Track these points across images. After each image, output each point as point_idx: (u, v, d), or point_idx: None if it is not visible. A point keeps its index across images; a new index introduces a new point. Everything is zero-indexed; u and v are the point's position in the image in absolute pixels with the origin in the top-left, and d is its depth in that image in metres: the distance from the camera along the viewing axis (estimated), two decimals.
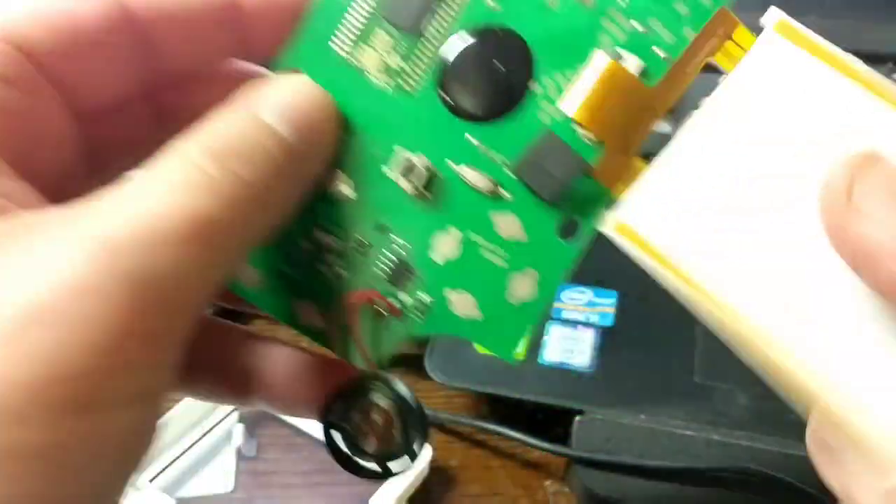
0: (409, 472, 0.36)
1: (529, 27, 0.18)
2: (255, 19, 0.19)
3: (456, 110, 0.19)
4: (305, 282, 0.20)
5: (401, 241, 0.20)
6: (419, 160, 0.19)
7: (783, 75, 0.18)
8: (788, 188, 0.17)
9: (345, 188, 0.19)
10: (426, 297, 0.20)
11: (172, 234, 0.14)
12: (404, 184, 0.19)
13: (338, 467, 0.19)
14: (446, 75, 0.19)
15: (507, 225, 0.19)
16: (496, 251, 0.19)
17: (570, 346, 0.41)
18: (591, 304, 0.44)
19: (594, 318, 0.43)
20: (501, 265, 0.19)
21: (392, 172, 0.19)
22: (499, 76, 0.19)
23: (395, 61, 0.19)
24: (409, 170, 0.19)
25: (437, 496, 0.39)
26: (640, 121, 0.20)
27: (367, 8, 0.19)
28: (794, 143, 0.18)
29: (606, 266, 0.47)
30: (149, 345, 0.13)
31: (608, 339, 0.41)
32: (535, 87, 0.19)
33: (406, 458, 0.19)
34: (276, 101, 0.17)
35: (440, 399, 0.42)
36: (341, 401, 0.20)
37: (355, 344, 0.20)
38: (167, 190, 0.14)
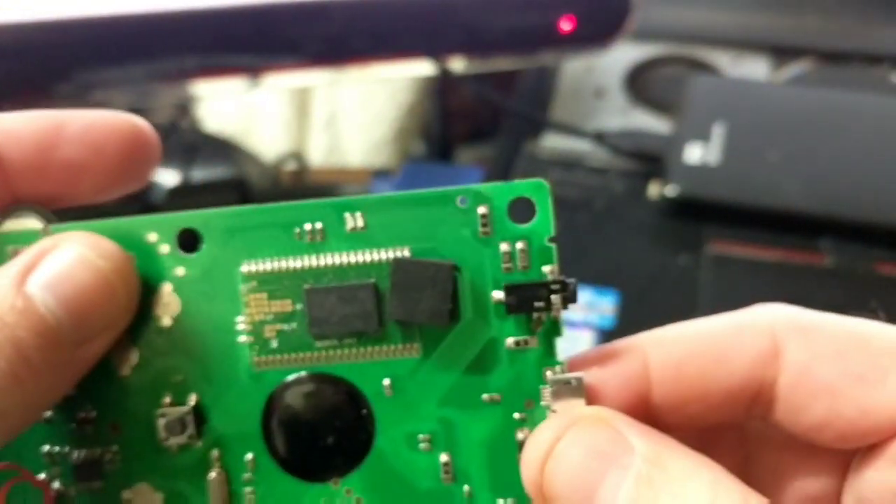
0: None
1: None
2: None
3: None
4: None
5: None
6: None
7: None
8: None
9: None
10: None
11: None
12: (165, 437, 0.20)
13: None
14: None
15: None
16: None
17: (567, 347, 0.41)
18: (590, 304, 0.44)
19: (594, 319, 0.43)
20: None
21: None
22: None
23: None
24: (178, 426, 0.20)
25: None
26: None
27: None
28: None
29: (606, 266, 0.47)
30: None
31: (608, 341, 0.41)
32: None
33: None
34: (45, 271, 0.17)
35: None
36: None
37: None
38: None
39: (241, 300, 0.20)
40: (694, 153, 0.47)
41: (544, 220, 0.19)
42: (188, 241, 0.20)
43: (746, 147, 0.47)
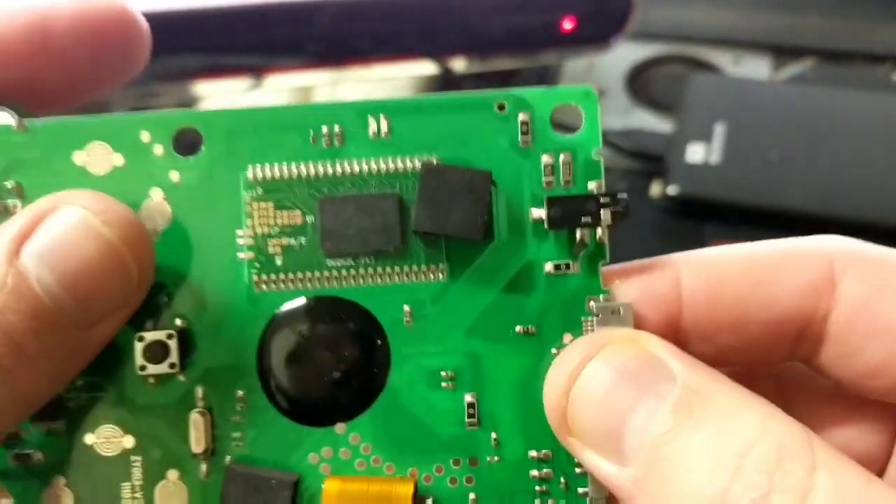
0: None
1: None
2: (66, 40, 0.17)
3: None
4: None
5: None
6: None
7: None
8: None
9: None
10: None
11: None
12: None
13: None
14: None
15: None
16: None
17: None
18: None
19: None
20: None
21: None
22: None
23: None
24: None
25: None
26: None
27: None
28: None
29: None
30: None
31: None
32: None
33: None
34: (41, 240, 0.14)
35: None
36: None
37: None
38: None
39: (244, 210, 0.17)
40: (695, 153, 0.47)
41: (592, 131, 0.17)
42: (186, 142, 0.17)
43: (747, 147, 0.47)
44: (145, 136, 0.17)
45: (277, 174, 0.17)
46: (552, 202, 0.17)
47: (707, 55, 0.56)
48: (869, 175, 0.46)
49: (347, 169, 0.17)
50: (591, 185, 0.17)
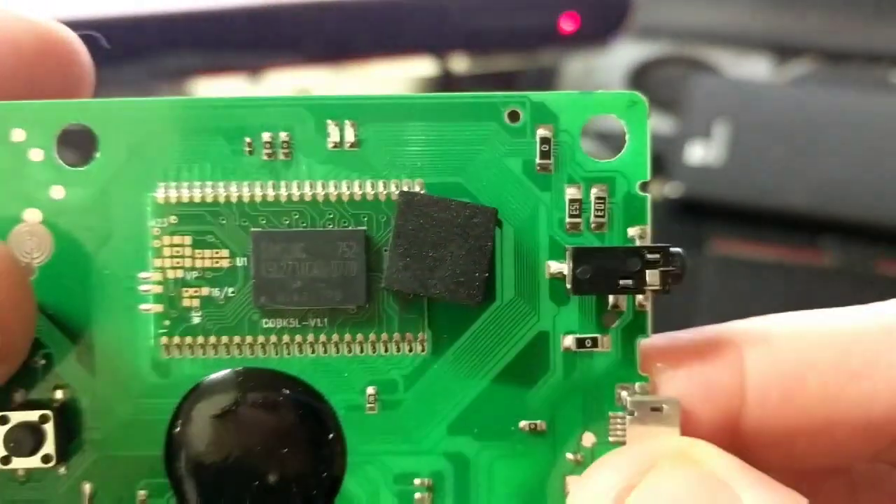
0: None
1: None
2: None
3: None
4: None
5: None
6: None
7: None
8: None
9: None
10: None
11: None
12: None
13: None
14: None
15: None
16: None
17: None
18: None
19: None
20: None
21: None
22: None
23: None
24: None
25: None
26: None
27: None
28: None
29: None
30: None
31: None
32: None
33: None
34: None
35: None
36: None
37: None
38: None
39: (150, 244, 0.12)
40: (696, 153, 0.47)
41: (638, 155, 0.13)
42: (75, 144, 0.13)
43: (748, 147, 0.47)
44: (18, 135, 0.12)
45: (198, 196, 0.12)
46: (579, 256, 0.12)
47: (707, 55, 0.56)
48: (869, 175, 0.46)
49: (295, 192, 0.12)
50: (632, 232, 0.12)
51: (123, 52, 0.44)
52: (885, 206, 0.45)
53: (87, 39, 0.14)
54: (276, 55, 0.46)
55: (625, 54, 0.55)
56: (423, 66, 0.50)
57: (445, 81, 0.55)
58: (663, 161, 0.47)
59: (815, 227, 0.45)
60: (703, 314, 0.42)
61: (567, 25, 0.47)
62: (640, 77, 0.56)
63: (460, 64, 0.51)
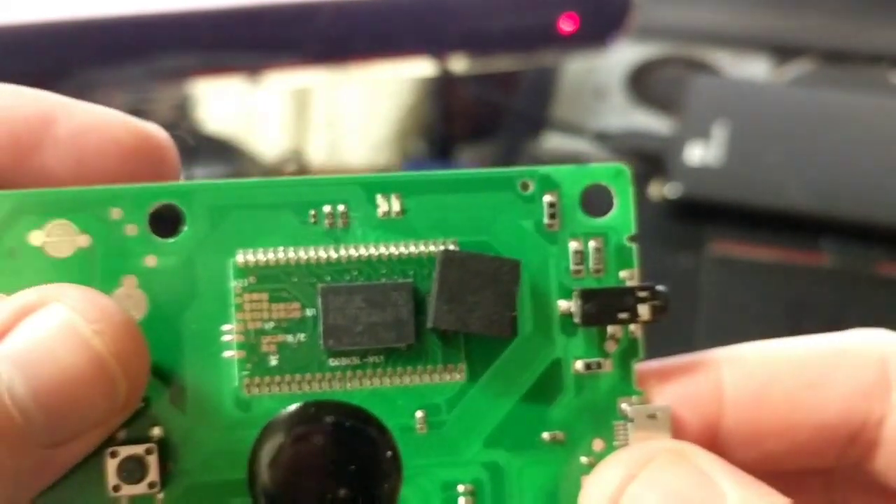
0: None
1: None
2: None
3: None
4: None
5: None
6: None
7: None
8: None
9: None
10: None
11: None
12: None
13: None
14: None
15: None
16: None
17: None
18: None
19: None
20: None
21: None
22: None
23: None
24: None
25: None
26: None
27: None
28: None
29: None
30: None
31: None
32: None
33: None
34: (18, 342, 0.13)
35: None
36: None
37: None
38: None
39: (232, 301, 0.15)
40: (695, 153, 0.46)
41: (624, 214, 0.16)
42: (165, 220, 0.15)
43: (747, 147, 0.46)
44: (116, 214, 0.15)
45: (272, 259, 0.15)
46: (586, 296, 0.15)
47: (707, 55, 0.56)
48: (869, 175, 0.45)
49: (353, 254, 0.15)
50: (623, 275, 0.16)
51: (123, 52, 0.44)
52: (885, 207, 0.44)
53: (176, 138, 0.16)
54: (276, 55, 0.46)
55: (624, 55, 0.54)
56: (422, 67, 0.50)
57: (445, 82, 0.56)
58: (662, 161, 0.47)
59: (815, 228, 0.44)
60: (702, 314, 0.40)
61: (566, 26, 0.46)
62: (640, 77, 0.55)
63: (460, 64, 0.50)
